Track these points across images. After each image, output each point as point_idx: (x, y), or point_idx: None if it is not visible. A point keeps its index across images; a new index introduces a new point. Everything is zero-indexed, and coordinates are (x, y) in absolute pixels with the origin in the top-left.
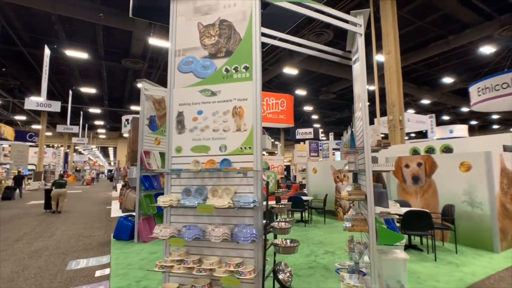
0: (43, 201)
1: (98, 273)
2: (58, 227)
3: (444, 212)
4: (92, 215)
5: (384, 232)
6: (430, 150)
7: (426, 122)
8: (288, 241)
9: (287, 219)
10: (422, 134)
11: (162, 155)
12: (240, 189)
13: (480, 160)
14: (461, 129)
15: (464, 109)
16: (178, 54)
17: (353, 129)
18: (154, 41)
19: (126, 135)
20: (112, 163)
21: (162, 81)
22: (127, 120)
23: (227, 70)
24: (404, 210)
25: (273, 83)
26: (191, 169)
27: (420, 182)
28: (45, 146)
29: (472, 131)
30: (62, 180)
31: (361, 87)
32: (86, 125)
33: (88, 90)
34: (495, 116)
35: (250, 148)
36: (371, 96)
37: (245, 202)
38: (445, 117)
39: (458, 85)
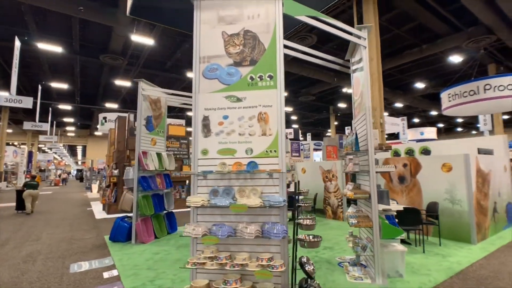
0: (10, 203)
1: (106, 275)
2: (41, 230)
3: (429, 208)
4: (75, 218)
5: (387, 227)
6: (410, 152)
7: (399, 124)
8: (310, 236)
9: (309, 217)
10: (394, 136)
11: (158, 155)
12: (266, 189)
13: (460, 162)
14: (430, 132)
15: (433, 113)
16: (202, 60)
17: (355, 127)
18: (137, 38)
19: (98, 133)
20: (79, 163)
21: (151, 78)
22: (104, 118)
23: (252, 78)
24: (401, 207)
25: None
26: (223, 170)
27: (406, 182)
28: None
29: (439, 133)
30: (34, 181)
31: (366, 95)
32: (54, 122)
33: (58, 85)
34: (459, 120)
35: (275, 151)
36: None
37: (275, 201)
38: (416, 120)
39: (429, 90)
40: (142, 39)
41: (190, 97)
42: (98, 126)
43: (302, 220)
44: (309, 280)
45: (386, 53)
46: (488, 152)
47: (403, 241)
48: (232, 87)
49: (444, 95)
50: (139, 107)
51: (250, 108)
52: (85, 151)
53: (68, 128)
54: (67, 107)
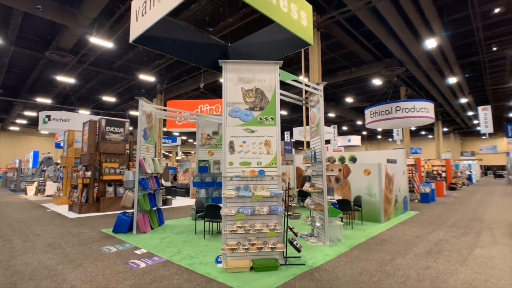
0: None
1: (138, 252)
2: (29, 228)
3: (355, 200)
4: (46, 219)
5: (333, 210)
6: (342, 159)
7: (331, 132)
8: (295, 214)
9: (293, 202)
10: (326, 142)
11: (152, 160)
12: (269, 186)
13: (375, 168)
14: (356, 139)
15: (359, 122)
16: (228, 105)
17: (313, 147)
18: (96, 41)
19: (14, 128)
20: None
21: (84, 74)
22: (48, 116)
23: (260, 118)
24: (340, 198)
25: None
26: (244, 175)
27: (340, 182)
28: None
29: (363, 139)
30: None
31: (321, 127)
32: None
33: None
34: (379, 129)
35: (275, 164)
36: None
37: (278, 193)
38: (345, 128)
39: (356, 104)
40: (101, 42)
41: (175, 111)
42: (39, 124)
43: (291, 204)
44: (295, 237)
45: (323, 71)
46: (393, 161)
47: None
48: (248, 123)
49: (367, 112)
50: (140, 121)
51: (260, 137)
52: None
53: None
54: None
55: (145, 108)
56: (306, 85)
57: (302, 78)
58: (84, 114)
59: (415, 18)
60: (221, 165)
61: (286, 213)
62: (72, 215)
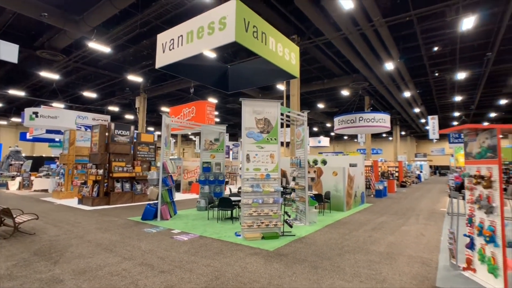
0: None
1: (174, 231)
2: (65, 218)
3: (326, 194)
4: (66, 211)
5: (311, 201)
6: (316, 162)
7: None
8: (288, 203)
9: (289, 195)
10: None
11: (171, 162)
12: (273, 184)
13: (341, 170)
14: (325, 140)
15: (328, 125)
16: (246, 129)
17: (298, 156)
18: (95, 46)
19: None
20: None
21: (66, 69)
22: (35, 113)
23: (267, 138)
24: (315, 192)
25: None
26: (256, 177)
27: (315, 181)
28: None
29: (331, 139)
30: None
31: (305, 143)
32: None
33: None
34: None
35: (276, 170)
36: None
37: (279, 189)
38: (315, 129)
39: (326, 109)
40: (100, 47)
41: (185, 121)
42: (25, 121)
43: (286, 196)
44: (289, 218)
45: (300, 80)
46: (354, 165)
47: None
48: (259, 142)
49: (336, 120)
50: (163, 132)
51: (267, 151)
52: None
53: None
54: None
55: (166, 121)
56: (295, 113)
57: (283, 87)
58: (72, 111)
59: (377, 45)
60: (221, 165)
61: (284, 202)
62: (86, 207)
